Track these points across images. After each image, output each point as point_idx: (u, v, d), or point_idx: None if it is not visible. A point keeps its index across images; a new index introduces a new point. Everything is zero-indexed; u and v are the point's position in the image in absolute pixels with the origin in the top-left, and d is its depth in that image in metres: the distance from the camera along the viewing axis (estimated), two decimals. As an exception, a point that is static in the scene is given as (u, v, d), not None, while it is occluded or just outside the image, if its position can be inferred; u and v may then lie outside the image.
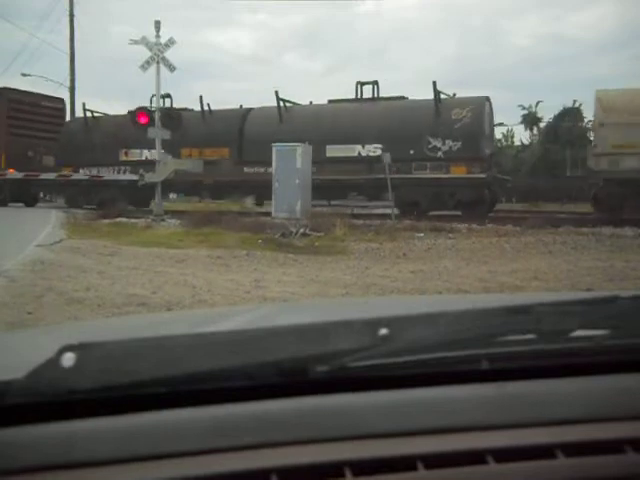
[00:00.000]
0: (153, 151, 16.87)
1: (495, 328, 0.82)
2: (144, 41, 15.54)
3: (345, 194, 18.42)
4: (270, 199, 16.50)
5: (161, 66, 15.75)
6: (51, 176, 20.42)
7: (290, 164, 15.40)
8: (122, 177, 18.91)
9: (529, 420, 0.73)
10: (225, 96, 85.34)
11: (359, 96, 18.70)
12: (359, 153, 17.61)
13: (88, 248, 9.76)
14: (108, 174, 20.44)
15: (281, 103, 18.65)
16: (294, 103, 19.40)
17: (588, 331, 0.83)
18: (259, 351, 0.74)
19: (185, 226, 13.41)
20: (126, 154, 20.36)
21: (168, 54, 15.76)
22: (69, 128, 22.59)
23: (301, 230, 11.55)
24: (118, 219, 15.18)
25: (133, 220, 15.04)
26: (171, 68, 16.09)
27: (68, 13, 29.00)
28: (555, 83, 56.67)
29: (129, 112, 18.51)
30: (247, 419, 0.70)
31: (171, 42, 15.82)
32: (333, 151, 17.51)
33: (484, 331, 0.81)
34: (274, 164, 15.74)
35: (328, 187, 17.16)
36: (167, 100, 19.48)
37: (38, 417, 0.68)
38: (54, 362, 0.67)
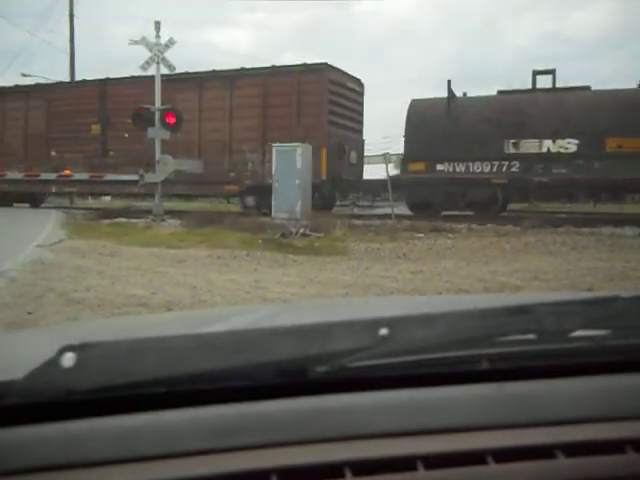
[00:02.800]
0: (560, 141, 14.85)
1: (495, 328, 0.82)
2: (144, 41, 15.54)
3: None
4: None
5: (161, 66, 15.77)
6: (51, 176, 20.38)
7: (290, 164, 15.41)
8: (123, 177, 18.82)
9: (529, 420, 0.73)
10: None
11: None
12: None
13: (88, 248, 9.76)
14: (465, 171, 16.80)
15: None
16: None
17: (588, 331, 0.83)
18: (259, 351, 0.74)
19: (185, 226, 13.42)
20: (515, 145, 15.66)
21: (168, 54, 15.78)
22: (417, 111, 16.89)
23: (301, 230, 11.56)
24: (118, 219, 15.19)
25: (133, 220, 15.04)
26: (171, 68, 16.09)
27: (68, 13, 29.00)
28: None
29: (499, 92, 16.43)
30: (247, 419, 0.70)
31: (171, 42, 15.83)
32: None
33: (484, 331, 0.81)
34: (274, 164, 15.76)
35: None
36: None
37: (38, 417, 0.68)
38: (54, 362, 0.67)
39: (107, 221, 14.97)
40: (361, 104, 19.42)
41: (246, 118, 17.70)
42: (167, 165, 15.90)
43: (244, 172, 17.68)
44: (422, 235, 11.91)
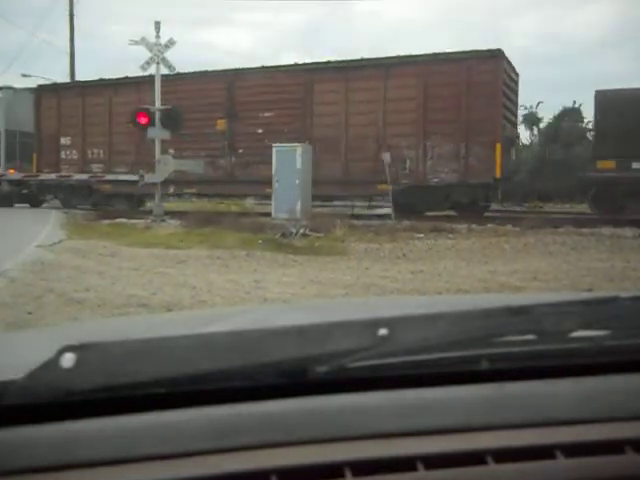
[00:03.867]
0: None
1: (495, 328, 0.82)
2: (144, 42, 15.54)
3: None
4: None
5: (161, 66, 15.77)
6: (51, 176, 20.32)
7: (290, 164, 15.40)
8: (123, 177, 18.69)
9: (529, 420, 0.73)
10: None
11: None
12: None
13: (88, 249, 9.76)
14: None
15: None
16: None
17: (588, 331, 0.83)
18: (259, 352, 0.74)
19: (185, 226, 13.42)
20: None
21: (168, 54, 15.78)
22: (607, 103, 14.74)
23: (301, 230, 11.56)
24: (118, 220, 15.18)
25: (133, 221, 15.03)
26: (171, 69, 16.08)
27: (68, 12, 28.99)
28: (555, 83, 56.65)
29: None
30: (247, 420, 0.70)
31: (171, 42, 15.82)
32: None
33: (484, 331, 0.81)
34: (274, 164, 15.75)
35: None
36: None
37: (38, 417, 0.68)
38: (54, 362, 0.67)
39: (107, 221, 14.97)
40: (517, 95, 17.35)
41: (403, 111, 15.39)
42: (167, 165, 15.88)
43: (401, 170, 15.47)
44: (422, 235, 11.91)
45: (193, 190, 18.47)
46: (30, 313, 5.14)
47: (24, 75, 27.18)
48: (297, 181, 15.34)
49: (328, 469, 0.65)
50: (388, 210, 15.04)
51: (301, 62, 16.23)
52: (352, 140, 16.02)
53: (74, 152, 19.94)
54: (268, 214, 15.34)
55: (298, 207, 14.82)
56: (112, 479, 0.64)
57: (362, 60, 16.27)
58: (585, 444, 0.70)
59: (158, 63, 15.70)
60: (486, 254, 9.68)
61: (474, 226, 13.19)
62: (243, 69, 17.68)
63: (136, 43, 15.59)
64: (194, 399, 0.71)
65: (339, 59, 16.55)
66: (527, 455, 0.68)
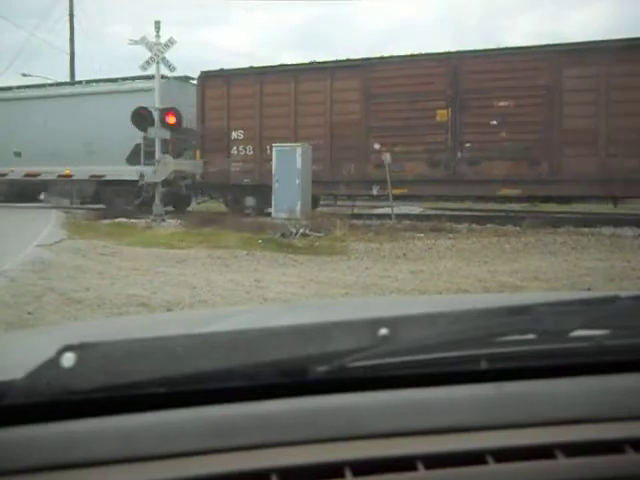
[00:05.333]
0: None
1: (495, 328, 0.82)
2: (144, 41, 15.54)
3: None
4: None
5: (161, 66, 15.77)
6: (51, 176, 20.29)
7: (290, 164, 15.40)
8: (124, 177, 18.60)
9: (529, 420, 0.73)
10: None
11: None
12: None
13: (88, 248, 9.76)
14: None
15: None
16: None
17: (588, 331, 0.83)
18: (259, 351, 0.74)
19: (185, 226, 13.42)
20: None
21: (167, 53, 15.77)
22: None
23: (301, 230, 11.55)
24: (118, 219, 15.18)
25: (133, 220, 15.03)
26: (171, 68, 16.08)
27: (68, 12, 29.00)
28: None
29: None
30: (247, 419, 0.70)
31: (171, 42, 15.82)
32: None
33: (484, 331, 0.81)
34: (274, 164, 15.74)
35: None
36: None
37: (38, 417, 0.68)
38: (54, 362, 0.67)
39: (107, 221, 14.97)
40: None
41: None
42: (167, 165, 15.89)
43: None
44: (422, 235, 11.91)
45: (404, 191, 15.11)
46: (30, 313, 5.14)
47: (24, 75, 27.21)
48: (297, 181, 15.34)
49: (328, 469, 0.65)
50: (388, 210, 15.01)
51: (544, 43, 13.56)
52: (615, 132, 13.13)
53: (249, 148, 16.76)
54: (268, 214, 15.36)
55: (298, 207, 14.82)
56: (112, 479, 0.64)
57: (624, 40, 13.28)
58: (585, 444, 0.70)
59: (158, 63, 15.70)
60: (486, 254, 9.68)
61: (474, 226, 13.18)
62: (465, 52, 14.88)
63: (136, 43, 15.59)
64: (194, 399, 0.71)
65: (594, 39, 13.55)
66: (527, 455, 0.68)
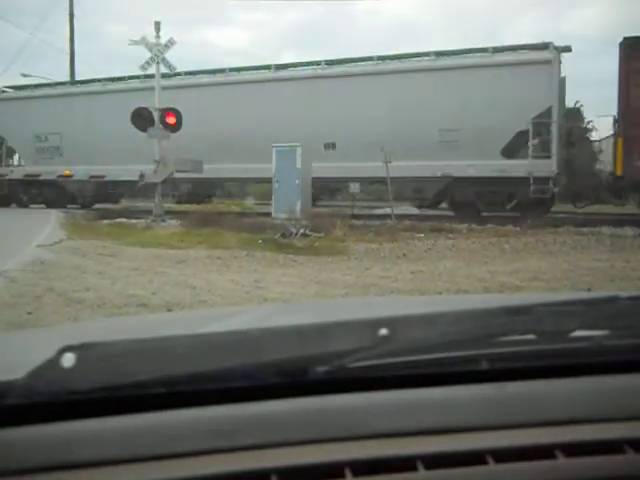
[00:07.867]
0: None
1: (495, 328, 0.82)
2: (144, 42, 15.53)
3: None
4: None
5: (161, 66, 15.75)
6: (51, 176, 20.26)
7: (290, 164, 15.39)
8: (124, 177, 18.51)
9: (529, 420, 0.73)
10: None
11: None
12: None
13: (88, 248, 9.76)
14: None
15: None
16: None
17: (588, 331, 0.83)
18: (259, 351, 0.74)
19: (185, 227, 13.41)
20: None
21: (167, 54, 15.75)
22: None
23: (301, 230, 11.55)
24: (118, 220, 15.18)
25: (133, 220, 15.04)
26: (171, 69, 16.07)
27: (68, 12, 28.99)
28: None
29: None
30: (247, 420, 0.70)
31: (171, 42, 15.80)
32: None
33: (484, 331, 0.81)
34: (274, 164, 15.74)
35: None
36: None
37: (38, 417, 0.68)
38: (54, 362, 0.67)
39: (107, 221, 14.97)
40: None
41: None
42: (167, 165, 15.87)
43: None
44: (422, 235, 11.91)
45: None
46: (30, 313, 5.14)
47: (24, 75, 27.18)
48: (297, 181, 15.34)
49: (328, 469, 0.65)
50: (388, 210, 14.98)
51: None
52: None
53: None
54: (268, 214, 15.34)
55: (298, 207, 14.82)
56: (112, 479, 0.64)
57: None
58: (585, 444, 0.70)
59: (158, 63, 15.69)
60: (486, 254, 9.68)
61: (474, 226, 13.18)
62: None
63: (136, 43, 15.58)
64: (194, 399, 0.71)
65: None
66: (527, 455, 0.68)
